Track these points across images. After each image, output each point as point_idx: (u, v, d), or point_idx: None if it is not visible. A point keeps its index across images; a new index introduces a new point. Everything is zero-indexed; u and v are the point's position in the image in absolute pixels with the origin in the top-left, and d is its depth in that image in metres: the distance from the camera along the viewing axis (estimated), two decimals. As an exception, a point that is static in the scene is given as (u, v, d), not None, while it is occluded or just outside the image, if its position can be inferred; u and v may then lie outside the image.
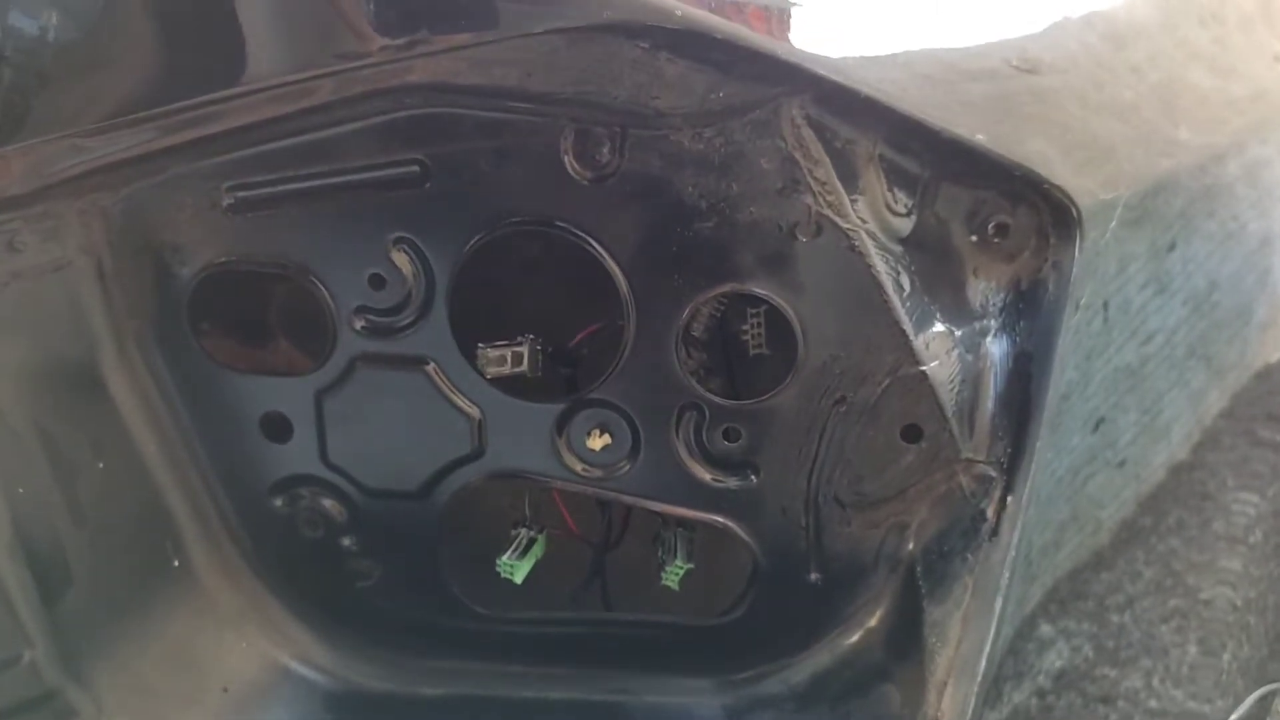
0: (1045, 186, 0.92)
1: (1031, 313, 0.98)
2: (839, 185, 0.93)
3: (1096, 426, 1.01)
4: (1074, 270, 0.95)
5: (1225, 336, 1.19)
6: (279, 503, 1.12)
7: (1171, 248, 1.09)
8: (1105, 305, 0.99)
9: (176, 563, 1.11)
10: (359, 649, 1.16)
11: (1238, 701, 1.16)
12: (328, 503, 1.12)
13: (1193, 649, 1.17)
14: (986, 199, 0.95)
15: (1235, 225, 1.21)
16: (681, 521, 1.15)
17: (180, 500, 1.11)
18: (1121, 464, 1.06)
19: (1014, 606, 0.96)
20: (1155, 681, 1.13)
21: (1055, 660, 1.01)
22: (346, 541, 1.13)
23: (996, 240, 0.97)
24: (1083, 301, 0.98)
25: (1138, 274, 1.03)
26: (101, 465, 1.06)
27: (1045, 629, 1.00)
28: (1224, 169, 1.21)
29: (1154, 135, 1.14)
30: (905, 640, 1.00)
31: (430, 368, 1.05)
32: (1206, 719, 1.18)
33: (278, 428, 1.09)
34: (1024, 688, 1.01)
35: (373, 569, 1.15)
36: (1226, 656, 1.18)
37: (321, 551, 1.14)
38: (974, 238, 0.97)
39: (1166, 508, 1.12)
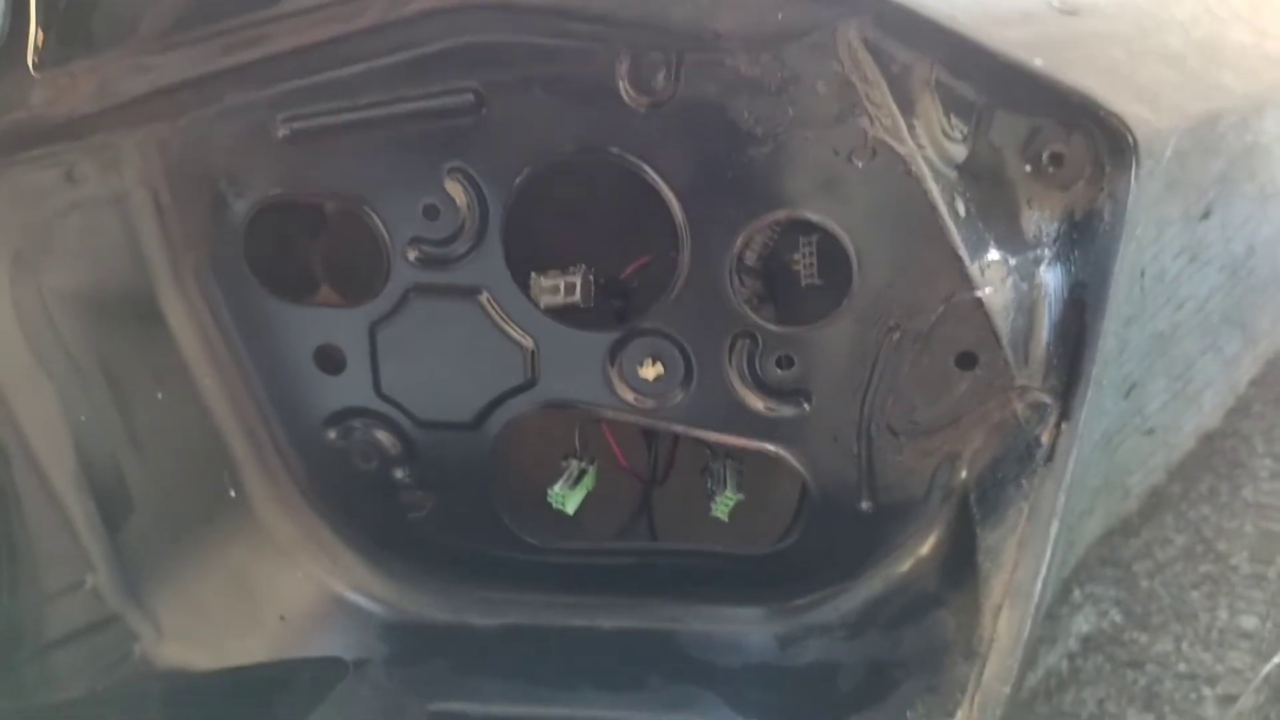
0: (1101, 113, 0.92)
1: (1086, 242, 0.97)
2: (895, 109, 0.92)
3: (1128, 393, 1.01)
4: (1130, 199, 0.95)
5: (1260, 303, 1.19)
6: (333, 435, 1.14)
7: (1207, 215, 1.08)
8: (1142, 274, 0.99)
9: (234, 493, 1.13)
10: (412, 579, 1.18)
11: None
12: (381, 435, 1.13)
13: (1223, 614, 1.17)
14: (1041, 126, 0.95)
15: (1274, 188, 1.20)
16: (731, 453, 1.15)
17: (237, 432, 1.12)
18: (1150, 431, 1.06)
19: (1064, 545, 0.96)
20: (1185, 646, 1.13)
21: (1083, 625, 1.01)
22: (399, 473, 1.15)
23: (1051, 170, 0.96)
24: (1136, 241, 0.97)
25: (1172, 241, 1.03)
26: (160, 396, 1.08)
27: (1075, 594, 1.00)
28: (1263, 125, 1.20)
29: (1200, 81, 1.14)
30: (958, 567, 1.01)
31: (484, 298, 1.06)
32: (1239, 679, 1.18)
33: (332, 360, 1.10)
34: (1056, 650, 1.02)
35: (425, 500, 1.16)
36: (1257, 622, 1.18)
37: (375, 483, 1.15)
38: (1028, 167, 0.96)
39: (1197, 475, 1.13)
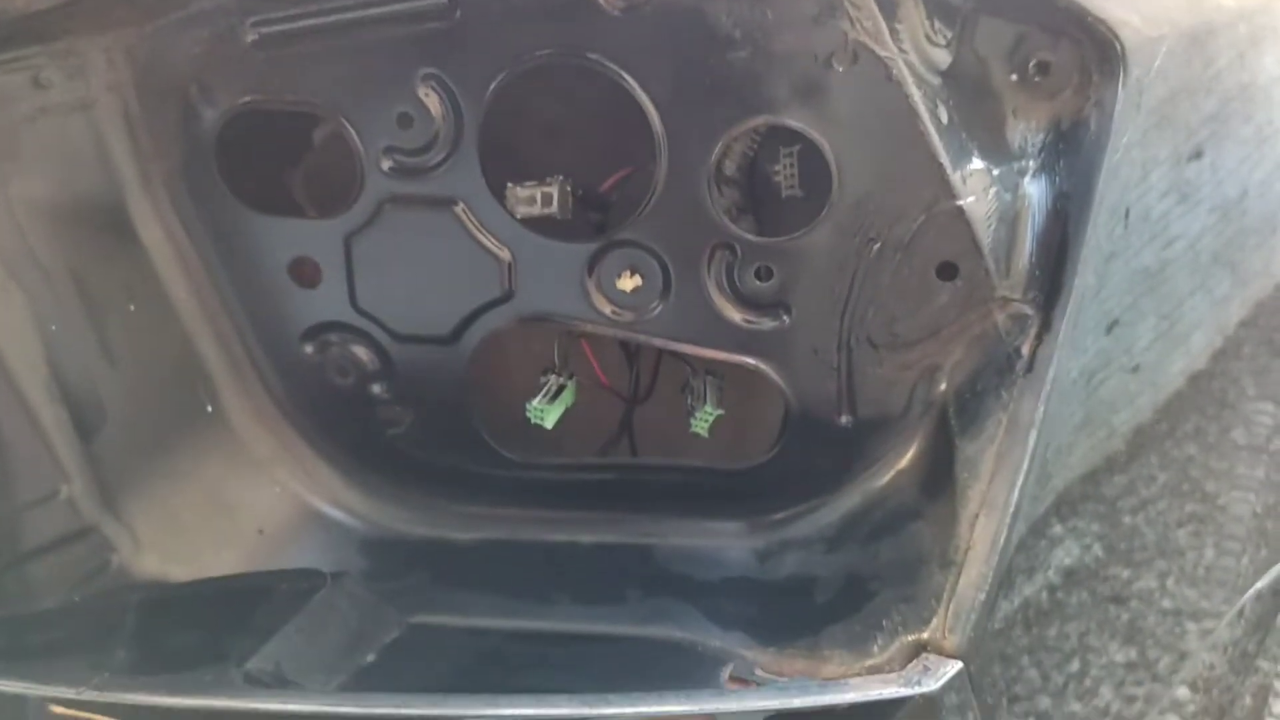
0: (1089, 20, 0.90)
1: (1072, 152, 0.96)
2: (876, 12, 0.90)
3: (1110, 329, 1.00)
4: (1117, 109, 0.93)
5: (1252, 244, 1.17)
6: (309, 350, 1.13)
7: (1198, 155, 1.07)
8: (1126, 213, 0.98)
9: (210, 408, 1.12)
10: (391, 495, 1.17)
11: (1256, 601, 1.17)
12: (358, 349, 1.12)
13: (1209, 552, 1.17)
14: (1027, 34, 0.93)
15: (1271, 130, 1.18)
16: (711, 368, 1.15)
17: (212, 345, 1.11)
18: (1136, 369, 1.05)
19: (1040, 465, 0.95)
20: (1170, 583, 1.13)
21: (1064, 558, 1.01)
22: (377, 388, 1.14)
23: (1037, 79, 0.95)
24: (1120, 153, 0.96)
25: (1159, 181, 1.02)
26: (132, 308, 1.07)
27: (1056, 528, 1.01)
28: (1261, 64, 1.18)
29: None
30: (936, 480, 1.00)
31: (459, 208, 1.04)
32: (1222, 617, 1.18)
33: (307, 273, 1.09)
34: (1035, 581, 1.02)
35: (403, 416, 1.16)
36: (1245, 560, 1.18)
37: (352, 399, 1.14)
38: (1014, 76, 0.94)
39: (1184, 415, 1.12)
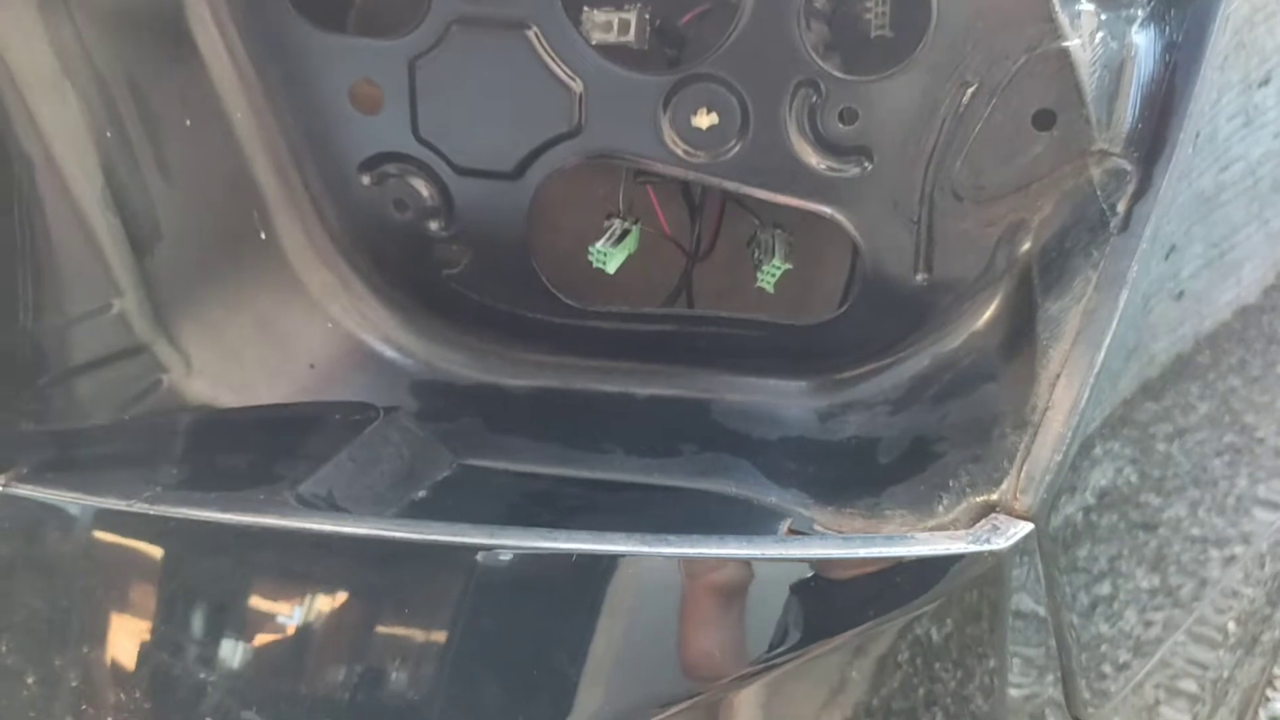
0: None
1: (1183, 2, 0.90)
2: None
3: (1168, 254, 0.96)
4: None
5: None
6: (367, 180, 1.09)
7: (1266, 81, 1.01)
8: (1196, 135, 0.92)
9: (264, 235, 1.09)
10: (445, 336, 1.14)
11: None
12: (417, 182, 1.08)
13: (1242, 482, 1.15)
14: None
15: None
16: (780, 221, 1.10)
17: (268, 169, 1.07)
18: (1180, 295, 1.00)
19: (1130, 330, 0.91)
20: (1201, 511, 1.11)
21: (1100, 479, 0.99)
22: (435, 225, 1.10)
23: None
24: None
25: (1229, 105, 0.96)
26: (189, 123, 1.03)
27: (1095, 450, 0.98)
28: None
29: None
30: (1014, 341, 0.96)
31: (532, 32, 0.99)
32: (1251, 540, 1.17)
33: (369, 98, 1.05)
34: (1074, 501, 1.00)
35: (460, 255, 1.12)
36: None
37: (410, 235, 1.11)
38: None
39: (1228, 347, 1.08)
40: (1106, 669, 1.02)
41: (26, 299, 0.95)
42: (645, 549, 0.81)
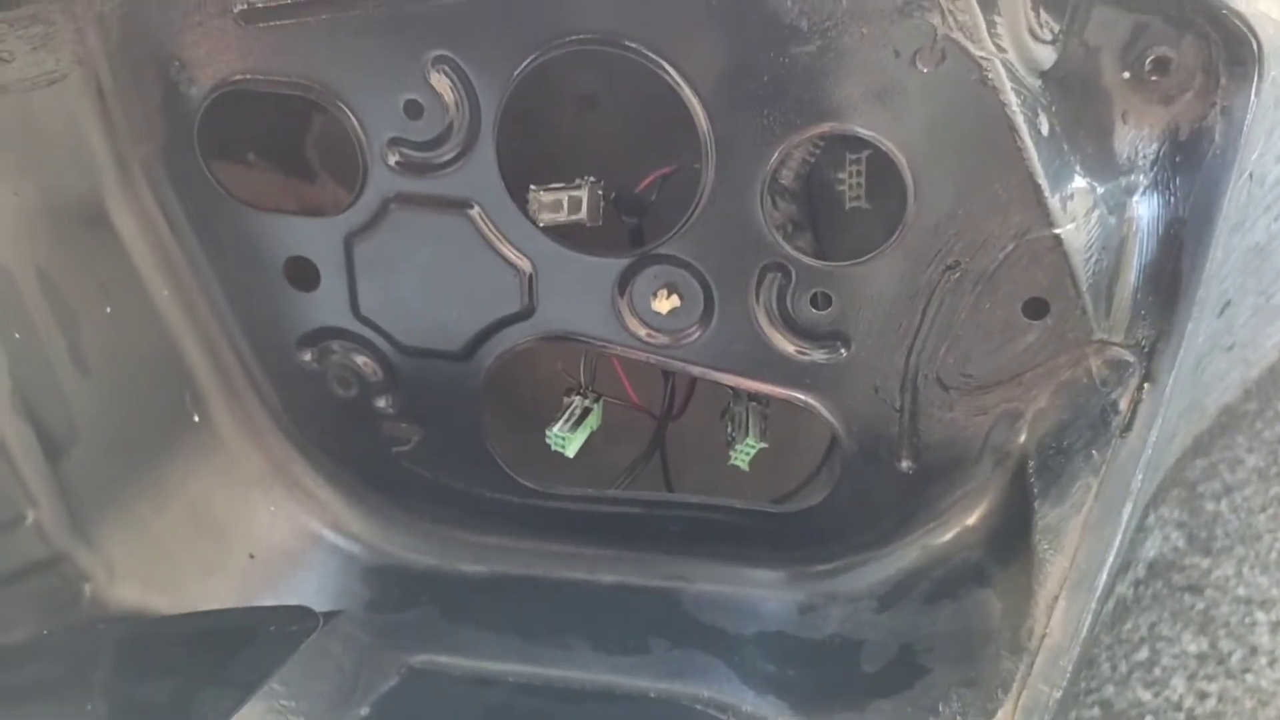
0: (1222, 13, 0.75)
1: (1190, 169, 0.82)
2: (974, 2, 0.75)
3: (1223, 311, 0.89)
4: (1248, 118, 0.78)
5: None
6: (308, 357, 1.02)
7: None
8: (1250, 176, 0.84)
9: (197, 418, 1.02)
10: (396, 519, 1.07)
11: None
12: (361, 360, 1.01)
13: None
14: (1147, 25, 0.79)
15: None
16: (755, 395, 1.02)
17: (198, 350, 1.00)
18: (1230, 348, 0.96)
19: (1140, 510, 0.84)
20: (1246, 570, 1.07)
21: (1150, 550, 0.93)
22: (382, 403, 1.03)
23: (1154, 78, 0.80)
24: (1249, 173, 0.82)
25: (1278, 143, 0.87)
26: (109, 310, 0.96)
27: (1150, 518, 0.92)
28: None
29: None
30: (1010, 544, 0.88)
31: (475, 212, 0.91)
32: None
33: (304, 274, 0.97)
34: (1127, 577, 0.94)
35: (410, 434, 1.04)
36: None
37: (355, 412, 1.03)
38: (1127, 74, 0.80)
39: (1274, 392, 1.01)
40: None
41: (-69, 515, 0.88)
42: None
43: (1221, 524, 1.04)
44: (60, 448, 0.93)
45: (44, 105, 0.89)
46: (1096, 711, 1.03)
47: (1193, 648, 1.03)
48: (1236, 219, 0.84)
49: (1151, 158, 0.83)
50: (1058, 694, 0.79)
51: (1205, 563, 1.04)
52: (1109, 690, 1.00)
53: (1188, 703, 1.01)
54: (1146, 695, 1.00)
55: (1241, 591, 1.06)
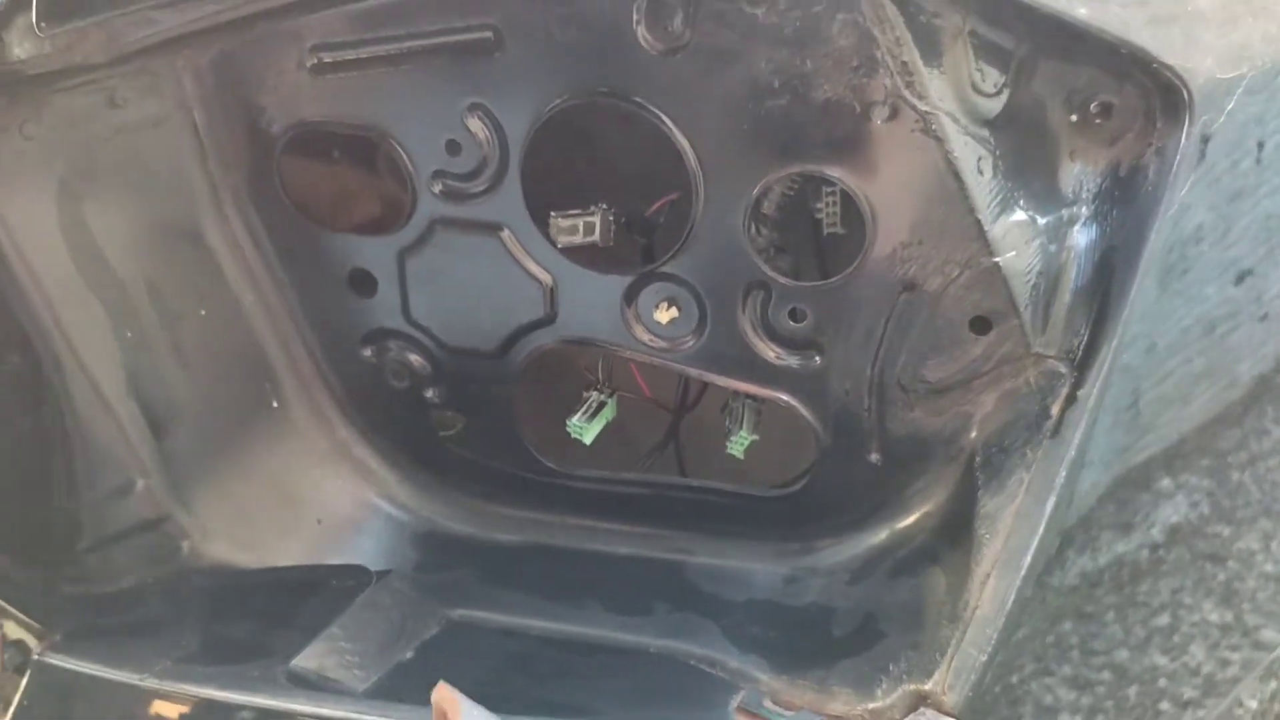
0: (1154, 66, 0.85)
1: (1126, 201, 0.92)
2: (920, 64, 0.88)
3: (1240, 279, 0.95)
4: (1177, 158, 0.89)
5: None
6: (368, 353, 1.19)
7: None
8: (1260, 145, 0.92)
9: (275, 404, 1.20)
10: (441, 493, 1.24)
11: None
12: (412, 356, 1.17)
13: None
14: (1090, 76, 0.89)
15: None
16: (748, 393, 1.16)
17: (277, 347, 1.18)
18: (1264, 318, 1.00)
19: (1064, 509, 0.93)
20: (1274, 545, 1.09)
21: (1171, 515, 0.98)
22: (430, 393, 1.19)
23: (1099, 121, 0.91)
24: (1176, 208, 0.91)
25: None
26: (204, 313, 1.14)
27: (1165, 483, 0.98)
28: None
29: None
30: (958, 529, 1.00)
31: (504, 234, 1.07)
32: None
33: (364, 283, 1.14)
34: (1132, 539, 0.99)
35: (454, 421, 1.21)
36: None
37: (407, 401, 1.20)
38: (1074, 117, 0.91)
39: None
40: (1165, 705, 1.04)
41: (60, 481, 1.08)
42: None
43: (1244, 494, 1.06)
44: (164, 427, 1.11)
45: (151, 142, 1.07)
46: (1107, 675, 1.08)
47: (1214, 617, 1.05)
48: (1237, 187, 0.91)
49: (1094, 191, 0.93)
50: (984, 657, 0.91)
51: (1227, 531, 1.06)
52: (1122, 654, 1.05)
53: (1206, 669, 1.04)
54: (1163, 660, 1.03)
55: (1270, 568, 1.08)
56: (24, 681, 1.04)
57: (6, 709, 1.05)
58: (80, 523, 1.09)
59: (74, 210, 1.03)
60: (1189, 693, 1.04)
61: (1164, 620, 1.03)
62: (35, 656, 1.03)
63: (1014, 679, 1.11)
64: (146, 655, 1.01)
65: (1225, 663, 1.05)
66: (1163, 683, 1.02)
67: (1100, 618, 1.00)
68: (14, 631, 1.06)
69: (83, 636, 1.04)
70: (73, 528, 1.09)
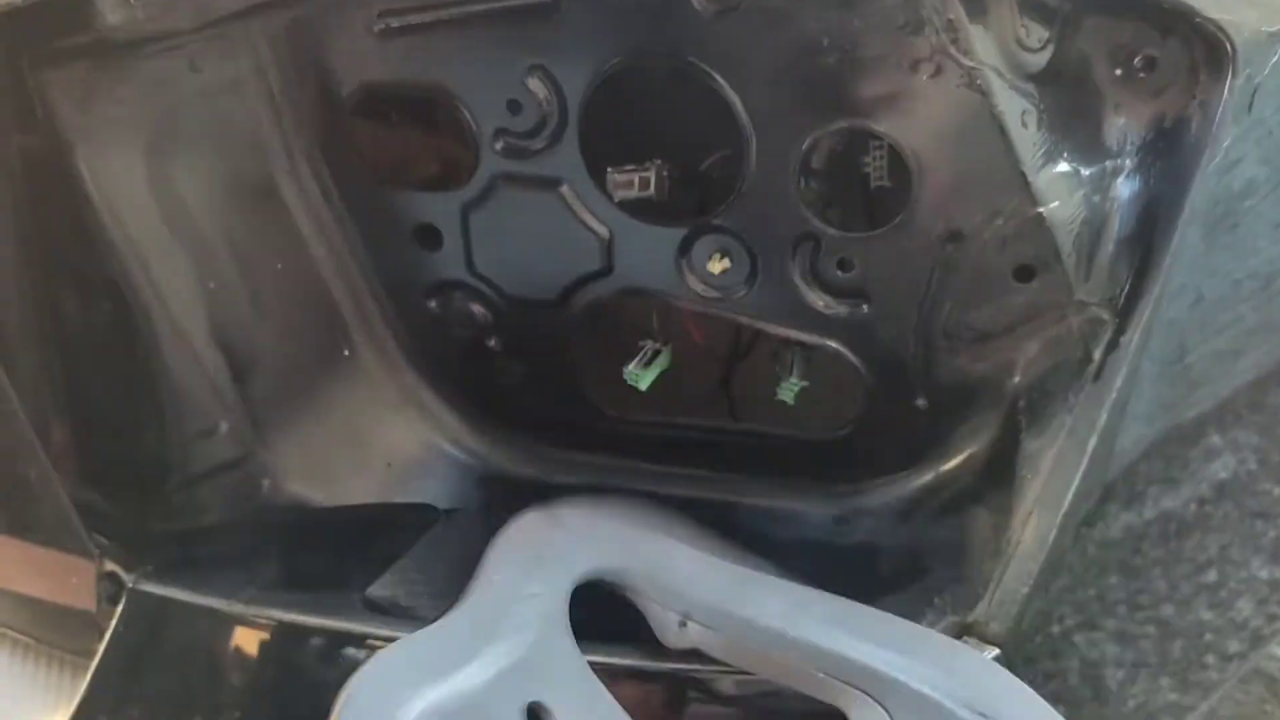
0: (1197, 20, 0.88)
1: (1170, 153, 0.95)
2: (965, 21, 0.91)
3: None
4: (1220, 110, 0.91)
5: None
6: (433, 304, 1.24)
7: None
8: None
9: (346, 353, 1.26)
10: (503, 438, 1.30)
11: None
12: (475, 307, 1.23)
13: None
14: (1133, 31, 0.91)
15: None
16: (800, 341, 1.20)
17: (347, 299, 1.24)
18: None
19: (1142, 427, 0.95)
20: None
21: (1220, 471, 1.00)
22: (492, 342, 1.25)
23: (1142, 75, 0.93)
24: (1220, 158, 0.93)
25: None
26: (279, 266, 1.20)
27: (1215, 439, 0.99)
28: None
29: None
30: (1001, 470, 1.04)
31: (563, 189, 1.12)
32: None
33: (430, 237, 1.20)
34: (1180, 494, 1.01)
35: (515, 368, 1.27)
36: None
37: (471, 349, 1.26)
38: (1118, 71, 0.92)
39: None
40: (1210, 659, 1.06)
41: (150, 423, 1.15)
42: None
43: (1294, 452, 1.05)
44: (245, 373, 1.18)
45: (229, 105, 1.12)
46: (1152, 629, 1.10)
47: (1264, 574, 1.06)
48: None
49: (1138, 143, 0.95)
50: (1025, 590, 0.95)
51: (1278, 489, 1.06)
52: (1167, 610, 1.06)
53: (1254, 623, 1.05)
54: (1209, 615, 1.05)
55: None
56: (119, 609, 1.12)
57: (101, 638, 1.13)
58: (169, 463, 1.16)
59: (161, 168, 1.09)
60: (1235, 646, 1.06)
61: (1211, 576, 1.04)
62: (130, 585, 1.11)
63: (1055, 629, 1.14)
64: (232, 584, 1.08)
65: (1273, 617, 1.07)
66: (1209, 637, 1.04)
67: (1146, 572, 1.02)
68: (108, 565, 1.14)
69: (172, 567, 1.11)
70: (162, 467, 1.16)
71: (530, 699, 0.77)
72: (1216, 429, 0.99)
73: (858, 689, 0.85)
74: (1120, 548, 0.99)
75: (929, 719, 0.82)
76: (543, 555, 0.94)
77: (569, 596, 0.92)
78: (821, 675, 0.86)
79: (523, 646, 0.84)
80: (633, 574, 0.96)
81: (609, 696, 0.83)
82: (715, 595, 0.91)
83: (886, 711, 0.83)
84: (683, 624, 0.90)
